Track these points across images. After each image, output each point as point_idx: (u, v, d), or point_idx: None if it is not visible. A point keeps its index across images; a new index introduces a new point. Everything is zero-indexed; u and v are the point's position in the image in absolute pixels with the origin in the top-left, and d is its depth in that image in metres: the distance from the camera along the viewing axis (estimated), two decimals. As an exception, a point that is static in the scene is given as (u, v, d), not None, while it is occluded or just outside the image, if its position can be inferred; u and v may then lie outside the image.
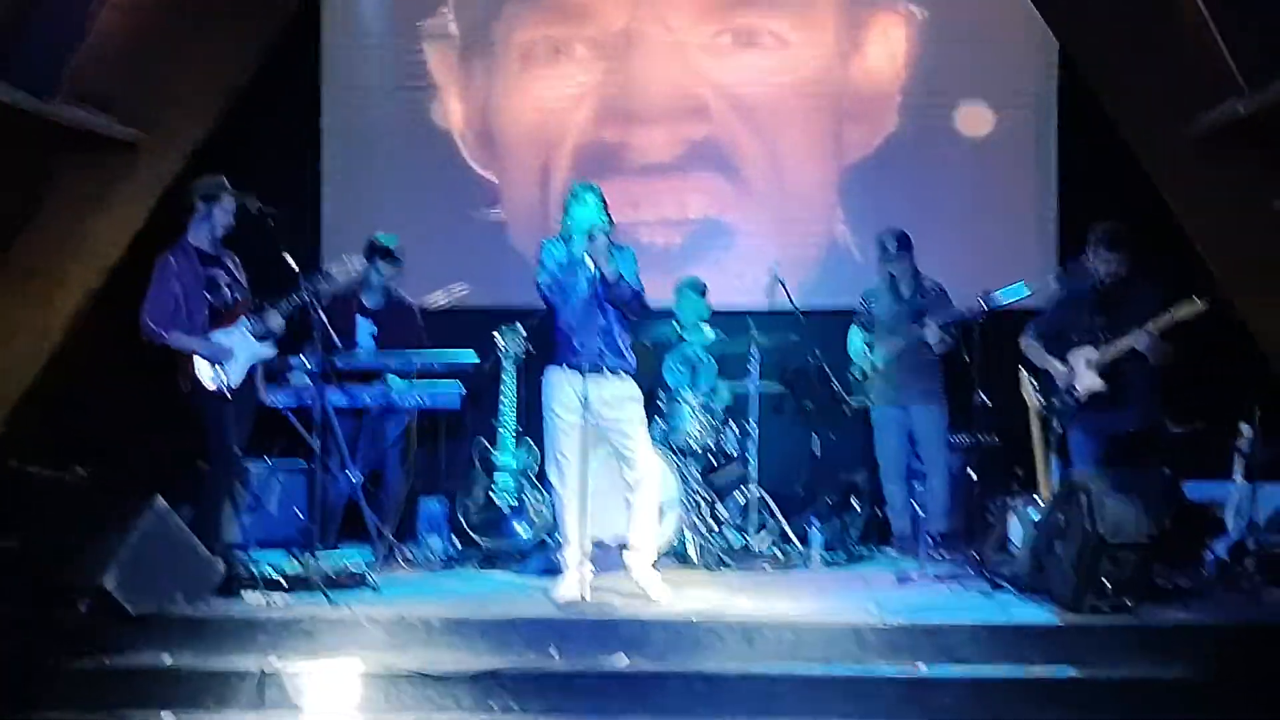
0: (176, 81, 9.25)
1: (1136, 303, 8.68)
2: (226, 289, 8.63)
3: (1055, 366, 8.96)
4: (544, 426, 8.30)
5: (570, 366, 8.04)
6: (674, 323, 10.34)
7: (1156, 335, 8.43)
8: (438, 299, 10.85)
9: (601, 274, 7.97)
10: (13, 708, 6.90)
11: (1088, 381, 8.77)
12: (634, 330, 8.38)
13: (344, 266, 9.08)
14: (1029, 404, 8.72)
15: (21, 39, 7.80)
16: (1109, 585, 7.44)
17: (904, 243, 9.83)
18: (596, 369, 8.01)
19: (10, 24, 7.81)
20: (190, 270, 8.50)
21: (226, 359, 8.47)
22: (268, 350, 8.68)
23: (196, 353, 8.42)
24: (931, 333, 9.55)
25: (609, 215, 8.14)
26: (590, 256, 7.95)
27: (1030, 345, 9.15)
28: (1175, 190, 9.42)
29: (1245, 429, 8.52)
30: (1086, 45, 9.94)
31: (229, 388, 8.44)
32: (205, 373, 8.40)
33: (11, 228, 8.91)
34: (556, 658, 7.18)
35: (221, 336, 8.50)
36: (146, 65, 8.74)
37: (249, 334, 8.57)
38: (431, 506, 9.59)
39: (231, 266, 8.74)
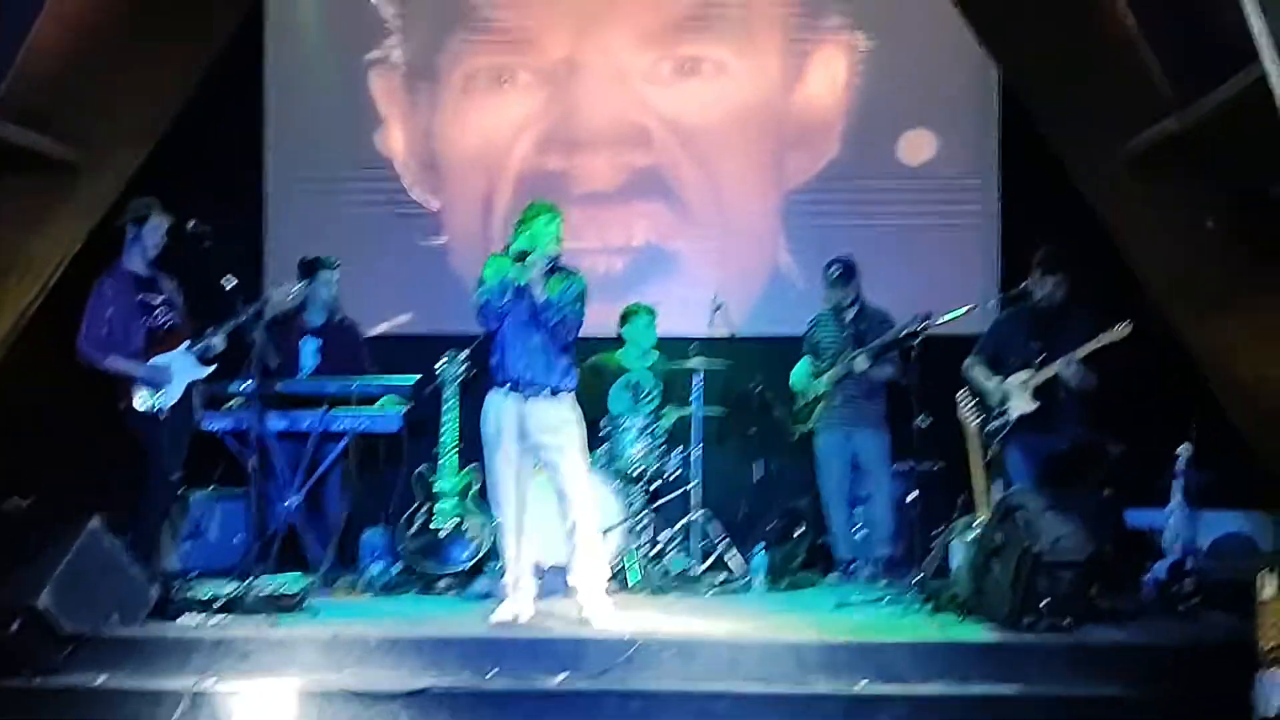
0: (116, 102, 9.16)
1: (1071, 327, 8.83)
2: (161, 312, 8.63)
3: (987, 388, 9.05)
4: (484, 450, 8.27)
5: (507, 388, 8.01)
6: (614, 353, 10.37)
7: (1079, 363, 8.56)
8: (380, 328, 10.86)
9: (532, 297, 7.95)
10: (-58, 728, 6.84)
11: (1019, 404, 8.87)
12: (572, 352, 8.30)
13: (284, 291, 9.12)
14: (965, 426, 8.74)
15: (-47, 56, 7.77)
16: (1046, 604, 7.44)
17: (845, 270, 9.85)
18: (532, 391, 7.97)
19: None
20: (124, 295, 8.56)
21: (163, 383, 8.48)
22: (202, 371, 8.66)
23: (133, 376, 8.45)
24: (860, 363, 9.60)
25: (557, 235, 8.08)
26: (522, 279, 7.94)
27: (971, 366, 9.25)
28: (1111, 211, 9.45)
29: (1183, 450, 8.56)
30: (1023, 69, 10.00)
31: (163, 410, 8.43)
32: (140, 394, 8.41)
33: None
34: (492, 676, 7.12)
35: (159, 360, 8.50)
36: (84, 85, 8.66)
37: (187, 357, 8.56)
38: (373, 536, 9.56)
39: (168, 291, 8.74)
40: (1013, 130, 11.05)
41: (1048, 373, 8.77)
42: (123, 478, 8.59)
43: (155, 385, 8.49)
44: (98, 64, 8.75)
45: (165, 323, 8.65)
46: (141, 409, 8.43)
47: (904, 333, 9.26)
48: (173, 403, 8.52)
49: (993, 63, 10.82)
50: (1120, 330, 8.47)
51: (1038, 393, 8.84)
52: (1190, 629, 7.90)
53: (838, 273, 9.84)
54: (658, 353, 10.46)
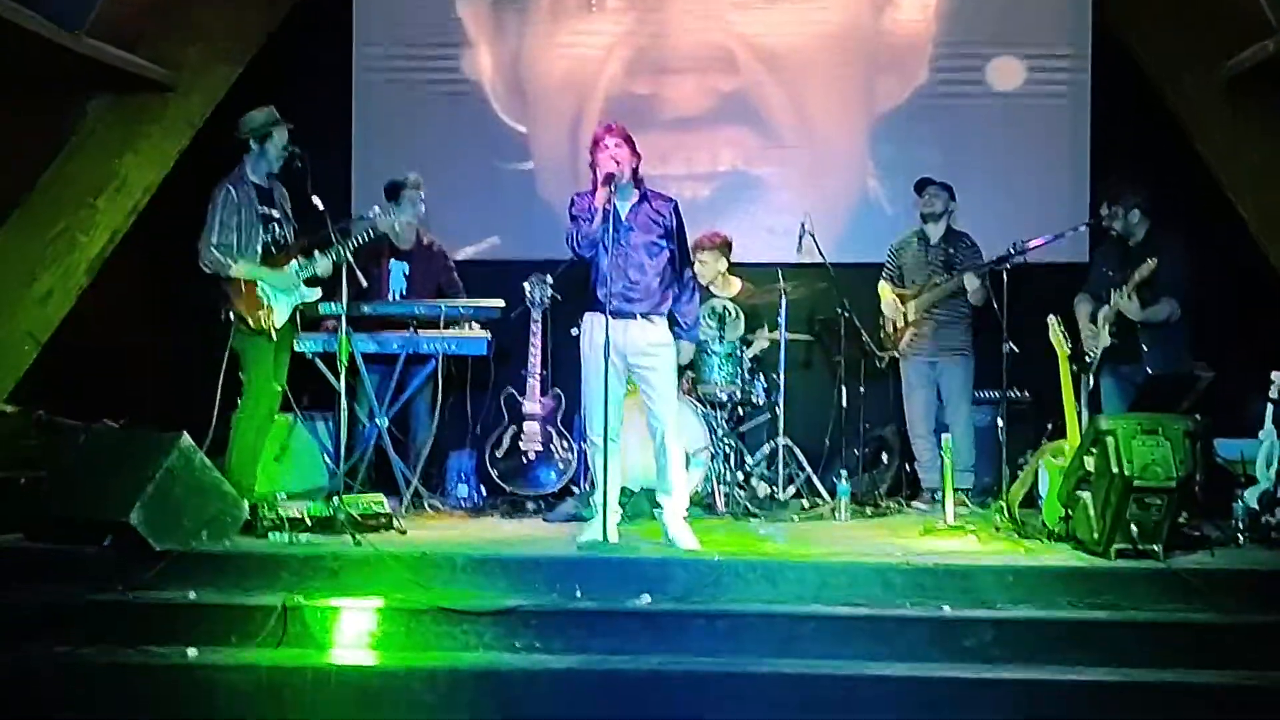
0: (206, 24, 9.23)
1: (1149, 258, 8.72)
2: (276, 227, 8.62)
3: (1084, 323, 9.01)
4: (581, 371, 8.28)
5: (600, 311, 8.01)
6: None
7: (1130, 296, 8.52)
8: (466, 251, 10.85)
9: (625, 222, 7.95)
10: (37, 642, 6.90)
11: (1102, 339, 8.83)
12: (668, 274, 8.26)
13: (389, 218, 9.07)
14: (1059, 351, 8.66)
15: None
16: (1135, 530, 7.39)
17: (943, 185, 9.84)
18: (624, 314, 7.96)
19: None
20: (250, 204, 8.53)
21: (291, 291, 8.56)
22: (312, 293, 8.69)
23: (266, 282, 8.48)
24: (971, 281, 9.50)
25: (634, 151, 8.05)
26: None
27: (1078, 304, 9.23)
28: (1206, 137, 9.35)
29: (1276, 377, 8.45)
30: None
31: (275, 327, 8.48)
32: (253, 309, 8.45)
33: (39, 166, 8.91)
34: (579, 596, 7.14)
35: (276, 275, 8.55)
36: (176, 7, 8.73)
37: (298, 276, 8.58)
38: (459, 458, 9.62)
39: (283, 205, 8.73)
40: (1105, 55, 10.89)
41: (1113, 307, 8.72)
42: (213, 396, 8.57)
43: (287, 294, 8.56)
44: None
45: (280, 238, 8.64)
46: (254, 326, 8.46)
47: (1003, 259, 9.22)
48: (282, 321, 8.57)
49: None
50: (1149, 264, 8.41)
51: (1118, 326, 8.78)
52: (1281, 556, 7.84)
53: (932, 187, 9.89)
54: (738, 279, 10.42)
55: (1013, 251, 9.08)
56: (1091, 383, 8.98)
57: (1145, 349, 8.80)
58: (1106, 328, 8.85)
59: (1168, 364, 8.77)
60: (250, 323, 8.45)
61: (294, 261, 8.62)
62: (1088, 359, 8.96)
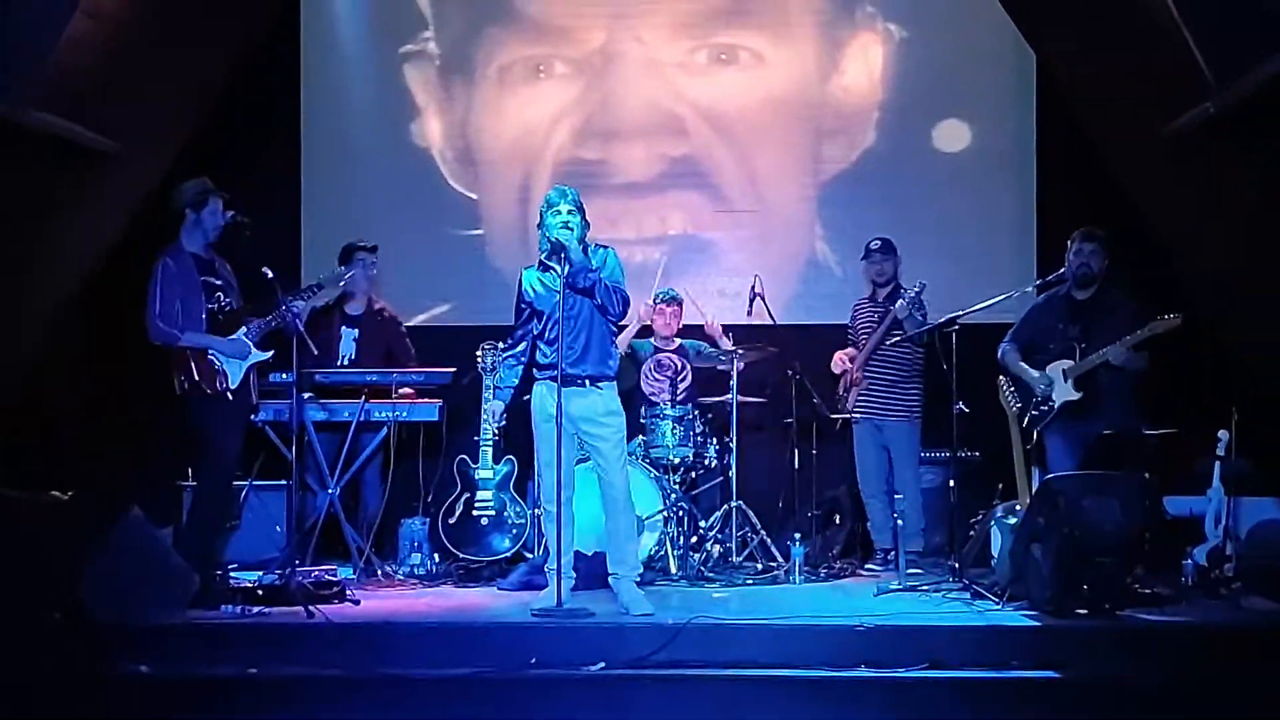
0: (151, 93, 9.22)
1: (1112, 314, 8.76)
2: (221, 295, 8.62)
3: (1030, 376, 8.98)
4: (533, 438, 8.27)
5: (549, 379, 8.01)
6: (648, 340, 10.38)
7: (1130, 350, 8.49)
8: (418, 318, 10.86)
9: (569, 265, 7.90)
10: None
11: (1063, 392, 8.81)
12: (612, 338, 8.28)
13: (336, 276, 9.15)
14: (1007, 411, 8.69)
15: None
16: (1087, 588, 7.42)
17: (883, 244, 9.91)
18: (572, 381, 7.97)
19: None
20: (189, 275, 8.49)
21: (244, 356, 8.54)
22: (262, 355, 8.67)
23: (215, 349, 8.46)
24: (902, 310, 9.52)
25: (584, 218, 8.07)
26: (558, 240, 7.90)
27: (1007, 353, 9.19)
28: (1150, 197, 9.42)
29: (1223, 435, 8.51)
30: (1061, 54, 9.97)
31: (230, 390, 8.46)
32: (206, 376, 8.42)
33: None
34: (534, 664, 7.10)
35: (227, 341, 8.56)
36: (120, 76, 8.72)
37: (248, 340, 8.57)
38: (412, 526, 9.59)
39: (226, 274, 8.73)
40: (1050, 116, 11.00)
41: (1094, 360, 8.70)
42: (165, 467, 8.55)
43: (235, 358, 8.52)
44: (132, 56, 8.79)
45: (225, 306, 8.64)
46: (208, 390, 8.42)
47: (915, 291, 9.34)
48: (237, 383, 8.54)
49: (1030, 48, 10.81)
50: (1171, 320, 8.39)
51: (1079, 381, 8.80)
52: (1230, 613, 7.87)
53: (875, 245, 9.91)
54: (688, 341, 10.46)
55: (914, 292, 9.26)
56: (1034, 438, 8.99)
57: (1106, 405, 8.81)
58: (1070, 383, 8.86)
59: (1127, 418, 8.79)
60: (207, 389, 8.42)
61: (243, 327, 8.60)
62: (1035, 412, 8.95)
